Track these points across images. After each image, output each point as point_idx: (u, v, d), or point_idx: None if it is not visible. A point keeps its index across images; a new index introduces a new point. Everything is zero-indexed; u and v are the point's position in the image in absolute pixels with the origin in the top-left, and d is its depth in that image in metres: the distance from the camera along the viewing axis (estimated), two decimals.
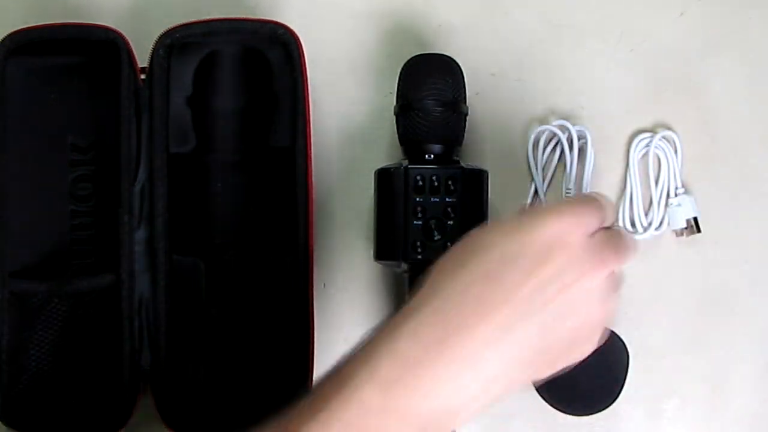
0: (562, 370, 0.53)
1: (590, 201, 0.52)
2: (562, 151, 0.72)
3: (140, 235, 0.66)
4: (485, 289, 0.49)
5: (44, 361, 0.67)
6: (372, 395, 0.47)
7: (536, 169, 0.73)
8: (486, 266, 0.49)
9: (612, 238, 0.51)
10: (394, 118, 0.68)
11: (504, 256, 0.49)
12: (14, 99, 0.66)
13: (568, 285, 0.49)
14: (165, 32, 0.66)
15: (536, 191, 0.73)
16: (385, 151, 0.73)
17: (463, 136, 0.68)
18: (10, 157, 0.66)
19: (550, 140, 0.73)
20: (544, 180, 0.73)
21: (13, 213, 0.66)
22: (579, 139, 0.72)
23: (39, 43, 0.65)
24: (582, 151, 0.72)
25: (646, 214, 0.73)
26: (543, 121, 0.74)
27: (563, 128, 0.72)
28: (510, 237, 0.50)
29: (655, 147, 0.73)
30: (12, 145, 0.66)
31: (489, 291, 0.49)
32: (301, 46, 0.67)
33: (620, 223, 0.73)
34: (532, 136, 0.72)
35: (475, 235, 0.52)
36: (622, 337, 0.68)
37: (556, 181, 0.74)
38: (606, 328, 0.53)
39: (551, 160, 0.73)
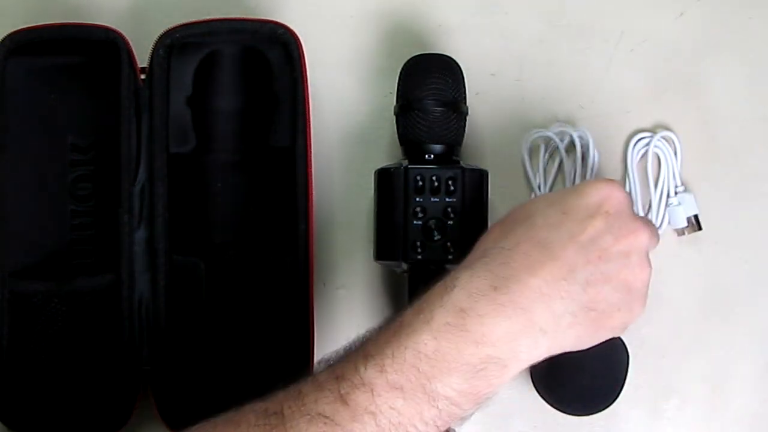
0: (605, 340, 0.57)
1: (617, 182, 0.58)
2: (561, 157, 0.72)
3: (140, 235, 0.66)
4: (533, 248, 0.53)
5: (44, 361, 0.67)
6: (426, 340, 0.49)
7: (533, 175, 0.73)
8: (532, 231, 0.54)
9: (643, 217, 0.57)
10: (394, 118, 0.68)
11: (548, 221, 0.54)
12: (14, 99, 0.66)
13: (607, 248, 0.53)
14: (165, 32, 0.66)
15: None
16: (385, 151, 0.73)
17: (463, 136, 0.68)
18: (10, 157, 0.66)
19: (548, 144, 0.73)
20: (546, 183, 0.73)
21: (13, 213, 0.66)
22: (580, 141, 0.71)
23: (39, 43, 0.65)
24: (584, 153, 0.72)
25: (646, 215, 0.73)
26: (543, 122, 0.74)
27: (562, 134, 0.72)
28: (553, 206, 0.55)
29: (655, 147, 0.73)
30: (12, 145, 0.66)
31: (537, 250, 0.52)
32: (301, 46, 0.67)
33: None
34: (529, 141, 0.72)
35: (521, 206, 0.57)
36: (622, 336, 0.68)
37: (558, 185, 0.74)
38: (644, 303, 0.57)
39: (551, 165, 0.73)
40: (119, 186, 0.65)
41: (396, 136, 0.69)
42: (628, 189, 0.73)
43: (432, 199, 0.65)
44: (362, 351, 0.51)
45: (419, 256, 0.65)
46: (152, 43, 0.66)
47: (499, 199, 0.72)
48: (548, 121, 0.74)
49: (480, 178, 0.67)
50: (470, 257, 0.55)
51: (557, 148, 0.72)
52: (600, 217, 0.54)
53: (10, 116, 0.66)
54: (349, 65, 0.74)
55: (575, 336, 0.55)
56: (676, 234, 0.74)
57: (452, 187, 0.65)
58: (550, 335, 0.52)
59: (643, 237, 0.56)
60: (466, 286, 0.51)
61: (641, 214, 0.73)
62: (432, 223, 0.65)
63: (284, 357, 0.67)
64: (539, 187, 0.72)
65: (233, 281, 0.69)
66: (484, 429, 0.72)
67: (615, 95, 0.75)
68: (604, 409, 0.68)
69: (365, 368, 0.49)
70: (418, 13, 0.75)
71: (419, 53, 0.69)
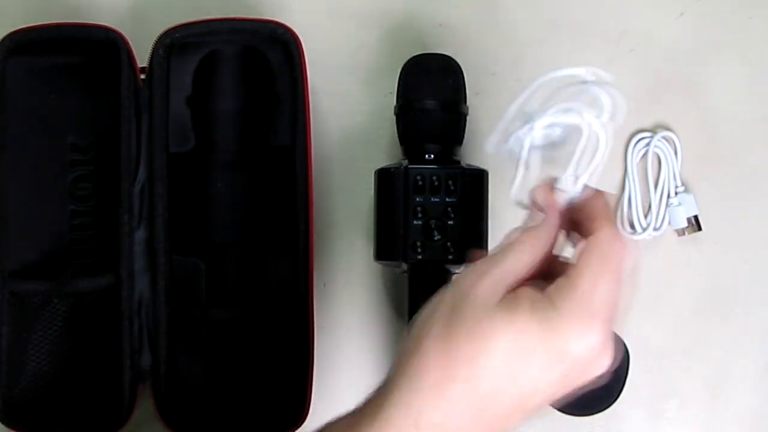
0: None
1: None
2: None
3: (140, 235, 0.66)
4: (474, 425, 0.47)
5: (44, 361, 0.67)
6: None
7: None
8: (476, 400, 0.46)
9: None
10: (394, 118, 0.68)
11: (500, 387, 0.46)
12: (14, 99, 0.66)
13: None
14: (165, 32, 0.66)
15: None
16: (385, 151, 0.73)
17: (463, 136, 0.68)
18: (10, 157, 0.66)
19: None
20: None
21: (13, 213, 0.66)
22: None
23: (39, 43, 0.65)
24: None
25: (646, 215, 0.73)
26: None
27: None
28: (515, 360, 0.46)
29: (655, 147, 0.73)
30: (12, 145, 0.66)
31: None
32: (301, 46, 0.67)
33: (619, 224, 0.73)
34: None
35: (468, 333, 0.46)
36: (622, 337, 0.68)
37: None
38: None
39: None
40: (119, 186, 0.65)
41: (396, 136, 0.69)
42: (627, 189, 0.73)
43: (432, 199, 0.65)
44: None
45: (419, 256, 0.65)
46: (152, 43, 0.66)
47: (499, 199, 0.72)
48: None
49: (480, 178, 0.67)
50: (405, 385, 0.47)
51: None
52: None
53: (10, 116, 0.66)
54: (349, 65, 0.74)
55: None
56: (676, 234, 0.74)
57: (452, 187, 0.65)
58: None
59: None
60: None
61: (640, 214, 0.73)
62: (432, 223, 0.65)
63: (284, 357, 0.67)
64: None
65: (233, 281, 0.69)
66: None
67: None
68: (604, 409, 0.68)
69: None
70: (418, 13, 0.75)
71: (419, 53, 0.69)
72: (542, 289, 0.47)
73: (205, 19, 0.67)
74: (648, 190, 0.74)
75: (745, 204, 0.74)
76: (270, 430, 0.66)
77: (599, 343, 0.47)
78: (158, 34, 0.66)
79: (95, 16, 0.70)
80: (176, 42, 0.66)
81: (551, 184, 0.52)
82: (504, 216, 0.73)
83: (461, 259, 0.65)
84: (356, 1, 0.75)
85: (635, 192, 0.73)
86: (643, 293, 0.73)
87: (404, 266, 0.66)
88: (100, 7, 0.73)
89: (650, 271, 0.73)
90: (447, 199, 0.65)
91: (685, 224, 0.73)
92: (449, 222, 0.65)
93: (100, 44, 0.66)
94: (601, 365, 0.48)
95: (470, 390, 0.45)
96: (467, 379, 0.45)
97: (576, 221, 0.50)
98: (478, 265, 0.48)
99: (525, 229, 0.50)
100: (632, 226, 0.73)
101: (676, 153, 0.74)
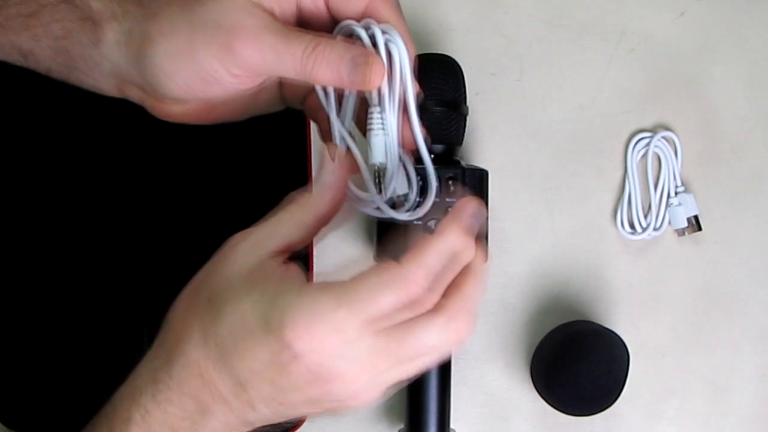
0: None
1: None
2: None
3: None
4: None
5: (44, 361, 0.67)
6: None
7: None
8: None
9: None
10: None
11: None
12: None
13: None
14: None
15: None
16: None
17: (464, 136, 0.68)
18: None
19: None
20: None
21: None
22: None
23: None
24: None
25: (646, 215, 0.73)
26: (543, 121, 0.74)
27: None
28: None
29: (655, 147, 0.73)
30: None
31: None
32: None
33: (619, 224, 0.73)
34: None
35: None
36: (622, 337, 0.68)
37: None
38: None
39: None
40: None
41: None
42: (627, 189, 0.73)
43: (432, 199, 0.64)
44: None
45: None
46: None
47: (499, 199, 0.72)
48: (549, 121, 0.74)
49: (480, 178, 0.67)
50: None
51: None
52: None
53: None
54: None
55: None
56: (676, 234, 0.74)
57: (452, 188, 0.65)
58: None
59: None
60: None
61: (640, 214, 0.73)
62: (432, 223, 0.65)
63: None
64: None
65: None
66: (484, 429, 0.72)
67: (615, 95, 0.75)
68: (604, 409, 0.68)
69: None
70: (418, 13, 0.75)
71: (419, 53, 0.69)
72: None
73: None
74: (648, 190, 0.74)
75: (745, 204, 0.74)
76: (270, 430, 0.66)
77: (326, 331, 0.44)
78: None
79: None
80: None
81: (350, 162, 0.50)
82: (504, 216, 0.73)
83: None
84: None
85: (635, 192, 0.73)
86: (643, 293, 0.73)
87: None
88: None
89: (650, 271, 0.73)
90: (447, 200, 0.65)
91: (685, 224, 0.73)
92: None
93: None
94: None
95: (201, 351, 0.46)
96: (200, 344, 0.46)
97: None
98: (248, 230, 0.47)
99: (304, 194, 0.48)
100: (632, 226, 0.73)
101: (676, 153, 0.74)
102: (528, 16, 0.75)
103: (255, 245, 0.46)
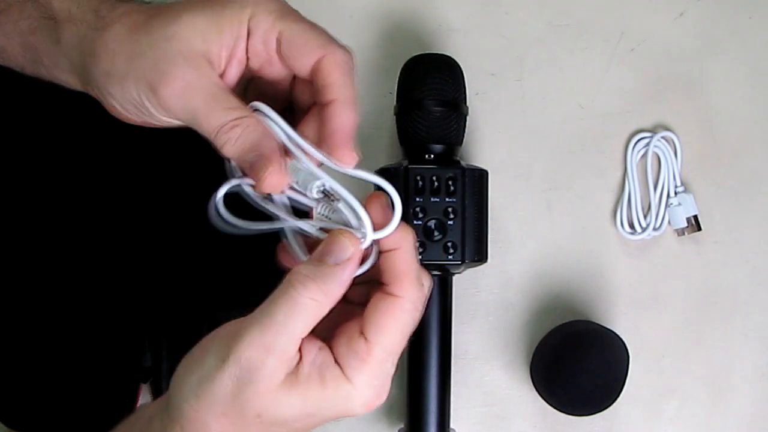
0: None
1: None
2: None
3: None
4: None
5: (44, 361, 0.67)
6: None
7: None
8: None
9: None
10: (394, 118, 0.68)
11: None
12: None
13: None
14: None
15: None
16: (385, 151, 0.73)
17: (464, 136, 0.68)
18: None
19: None
20: None
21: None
22: None
23: None
24: None
25: (646, 215, 0.73)
26: (543, 121, 0.74)
27: None
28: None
29: (655, 147, 0.73)
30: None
31: None
32: None
33: (619, 224, 0.73)
34: None
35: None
36: (622, 337, 0.68)
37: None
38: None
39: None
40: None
41: (396, 136, 0.69)
42: (627, 189, 0.73)
43: (432, 199, 0.65)
44: None
45: (419, 257, 0.64)
46: None
47: (499, 199, 0.72)
48: (549, 121, 0.74)
49: (480, 178, 0.67)
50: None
51: None
52: None
53: None
54: None
55: None
56: (676, 234, 0.74)
57: (452, 187, 0.65)
58: None
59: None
60: None
61: (640, 214, 0.73)
62: (432, 223, 0.65)
63: None
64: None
65: (235, 280, 0.69)
66: (484, 429, 0.72)
67: (615, 95, 0.75)
68: (604, 409, 0.68)
69: None
70: (418, 13, 0.75)
71: (419, 53, 0.69)
72: (328, 343, 0.46)
73: None
74: (648, 190, 0.74)
75: (745, 204, 0.74)
76: None
77: (384, 399, 0.47)
78: None
79: None
80: None
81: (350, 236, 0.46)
82: (504, 216, 0.73)
83: (461, 259, 0.65)
84: (356, 1, 0.75)
85: (635, 192, 0.73)
86: (643, 293, 0.73)
87: None
88: None
89: (650, 271, 0.73)
90: (447, 200, 0.65)
91: (685, 224, 0.73)
92: (449, 222, 0.65)
93: None
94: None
95: None
96: None
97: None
98: (263, 336, 0.45)
99: (316, 278, 0.45)
100: (632, 226, 0.73)
101: (675, 153, 0.74)
102: (528, 16, 0.75)
103: (282, 356, 0.45)
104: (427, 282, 0.48)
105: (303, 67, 0.49)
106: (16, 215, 0.67)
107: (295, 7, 0.74)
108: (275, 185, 0.47)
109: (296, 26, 0.49)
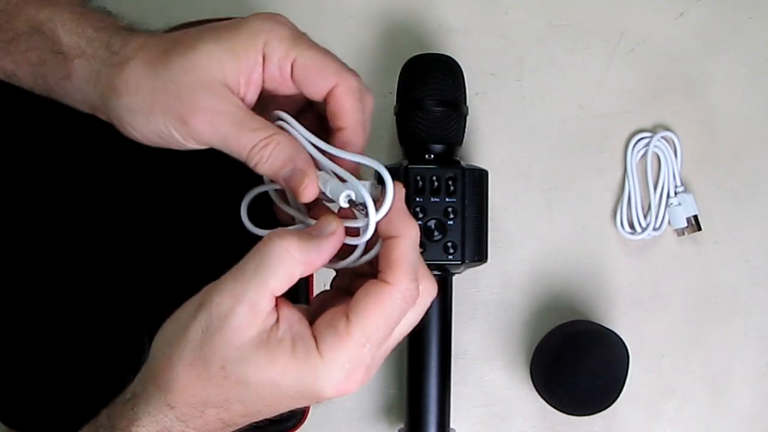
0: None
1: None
2: None
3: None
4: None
5: (44, 362, 0.67)
6: None
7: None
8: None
9: None
10: (394, 118, 0.68)
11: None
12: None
13: None
14: (165, 32, 0.66)
15: None
16: (385, 151, 0.73)
17: (464, 136, 0.68)
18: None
19: None
20: None
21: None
22: None
23: None
24: None
25: (646, 215, 0.73)
26: (543, 121, 0.74)
27: None
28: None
29: (654, 147, 0.73)
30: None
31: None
32: None
33: (619, 224, 0.73)
34: None
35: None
36: (622, 337, 0.68)
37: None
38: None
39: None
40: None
41: (396, 136, 0.69)
42: (627, 189, 0.73)
43: (432, 199, 0.65)
44: None
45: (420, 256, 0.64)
46: None
47: (499, 199, 0.72)
48: (549, 121, 0.74)
49: (480, 178, 0.67)
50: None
51: None
52: None
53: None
54: (349, 65, 0.74)
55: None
56: (675, 234, 0.74)
57: (452, 187, 0.65)
58: None
59: None
60: None
61: (640, 214, 0.73)
62: (432, 223, 0.65)
63: None
64: None
65: None
66: (484, 429, 0.72)
67: (615, 95, 0.75)
68: (604, 409, 0.68)
69: None
70: (418, 13, 0.75)
71: (419, 53, 0.69)
72: (308, 313, 0.47)
73: (204, 19, 0.67)
74: (648, 190, 0.74)
75: (745, 204, 0.74)
76: (270, 430, 0.66)
77: (355, 389, 0.47)
78: None
79: None
80: None
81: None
82: (504, 216, 0.73)
83: (461, 259, 0.65)
84: (356, 1, 0.75)
85: (635, 192, 0.73)
86: (643, 293, 0.73)
87: None
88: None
89: (650, 271, 0.73)
90: (447, 200, 0.65)
91: (685, 224, 0.73)
92: (449, 222, 0.65)
93: None
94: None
95: (223, 412, 0.47)
96: (221, 404, 0.47)
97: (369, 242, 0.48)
98: (234, 284, 0.45)
99: (291, 236, 0.46)
100: (632, 226, 0.73)
101: (675, 153, 0.74)
102: (528, 16, 0.75)
103: (253, 308, 0.45)
104: (428, 284, 0.49)
105: (317, 93, 0.51)
106: (17, 215, 0.67)
107: (295, 7, 0.75)
108: (313, 194, 0.48)
109: (309, 54, 0.50)
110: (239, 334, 0.45)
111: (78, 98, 0.53)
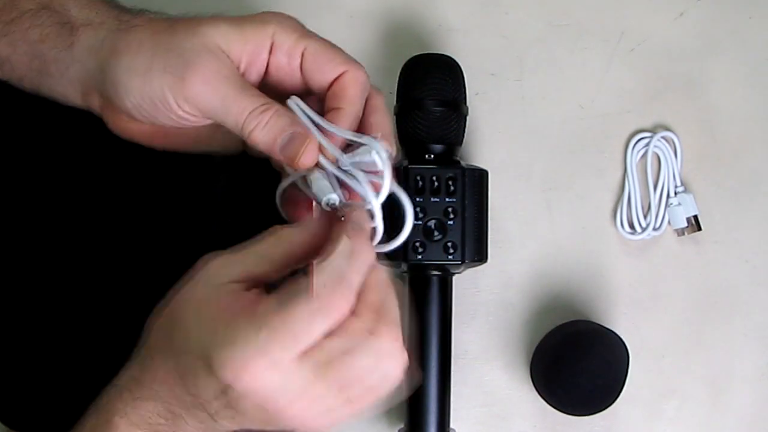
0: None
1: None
2: None
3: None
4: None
5: (44, 361, 0.67)
6: None
7: None
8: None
9: None
10: (394, 118, 0.68)
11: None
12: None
13: None
14: None
15: None
16: None
17: (464, 136, 0.68)
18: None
19: None
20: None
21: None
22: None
23: None
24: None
25: (646, 215, 0.74)
26: (543, 121, 0.74)
27: None
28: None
29: (655, 147, 0.73)
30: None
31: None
32: None
33: (619, 224, 0.73)
34: None
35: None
36: (622, 337, 0.68)
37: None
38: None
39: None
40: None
41: (396, 136, 0.69)
42: (627, 189, 0.73)
43: (432, 199, 0.65)
44: None
45: (419, 257, 0.65)
46: None
47: (499, 199, 0.72)
48: (549, 121, 0.74)
49: (480, 178, 0.67)
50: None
51: None
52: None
53: None
54: None
55: None
56: (675, 234, 0.74)
57: (452, 187, 0.65)
58: None
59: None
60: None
61: (640, 214, 0.73)
62: (432, 223, 0.65)
63: None
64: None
65: None
66: (484, 429, 0.72)
67: (615, 95, 0.75)
68: (604, 409, 0.68)
69: None
70: (418, 13, 0.75)
71: (419, 53, 0.69)
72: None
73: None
74: (648, 190, 0.74)
75: (745, 204, 0.74)
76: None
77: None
78: None
79: None
80: None
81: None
82: (504, 216, 0.73)
83: (461, 259, 0.65)
84: (356, 1, 0.75)
85: (635, 192, 0.73)
86: (643, 293, 0.73)
87: (404, 266, 0.66)
88: None
89: (650, 271, 0.73)
90: (447, 200, 0.65)
91: (685, 224, 0.73)
92: (449, 222, 0.65)
93: None
94: None
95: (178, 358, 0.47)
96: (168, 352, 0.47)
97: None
98: (232, 252, 0.47)
99: (291, 227, 0.47)
100: (632, 226, 0.73)
101: (675, 153, 0.74)
102: (528, 16, 0.75)
103: (217, 271, 0.46)
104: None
105: (324, 81, 0.51)
106: (16, 215, 0.67)
107: (296, 7, 0.75)
108: (312, 159, 0.48)
109: (320, 43, 0.51)
110: (193, 289, 0.46)
111: (72, 74, 0.52)
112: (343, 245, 0.45)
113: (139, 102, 0.50)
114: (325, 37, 0.73)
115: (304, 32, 0.51)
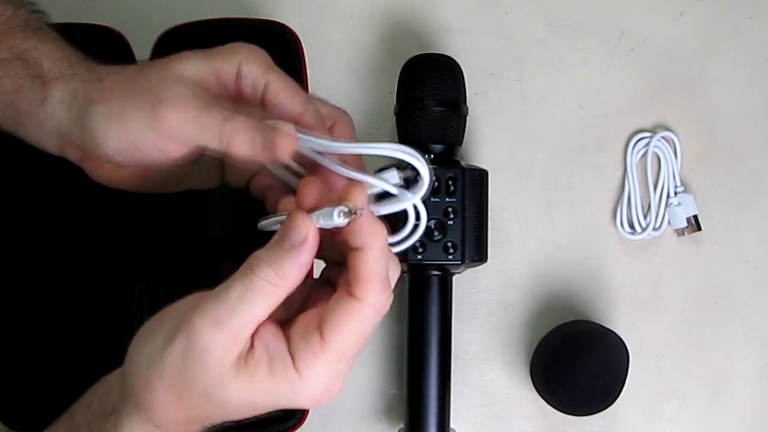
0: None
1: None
2: None
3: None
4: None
5: (45, 361, 0.67)
6: None
7: None
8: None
9: None
10: (394, 118, 0.68)
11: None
12: None
13: None
14: (165, 32, 0.66)
15: None
16: None
17: (464, 136, 0.68)
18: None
19: None
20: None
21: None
22: None
23: None
24: None
25: (646, 215, 0.74)
26: (543, 121, 0.74)
27: None
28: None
29: (655, 147, 0.73)
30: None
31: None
32: (301, 45, 0.67)
33: (619, 224, 0.73)
34: None
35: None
36: (622, 337, 0.68)
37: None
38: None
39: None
40: None
41: (396, 136, 0.69)
42: (627, 189, 0.73)
43: (432, 199, 0.65)
44: None
45: (419, 257, 0.65)
46: (152, 44, 0.66)
47: (499, 199, 0.72)
48: (549, 121, 0.74)
49: (480, 178, 0.67)
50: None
51: None
52: None
53: None
54: (349, 65, 0.74)
55: None
56: (675, 234, 0.74)
57: (452, 187, 0.65)
58: None
59: None
60: None
61: (640, 214, 0.73)
62: (432, 223, 0.65)
63: None
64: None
65: None
66: (484, 429, 0.72)
67: (615, 95, 0.75)
68: (604, 409, 0.68)
69: None
70: (418, 13, 0.75)
71: (419, 53, 0.69)
72: (289, 327, 0.46)
73: (205, 19, 0.67)
74: (648, 190, 0.74)
75: (745, 204, 0.74)
76: (270, 429, 0.66)
77: (334, 397, 0.47)
78: (158, 35, 0.66)
79: (96, 16, 0.70)
80: (176, 42, 0.66)
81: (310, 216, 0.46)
82: (504, 216, 0.73)
83: (461, 259, 0.65)
84: (356, 1, 0.75)
85: (635, 192, 0.73)
86: (643, 293, 0.73)
87: (404, 266, 0.66)
88: (100, 7, 0.73)
89: (650, 271, 0.73)
90: (447, 200, 0.65)
91: (685, 224, 0.73)
92: (449, 222, 0.65)
93: (101, 44, 0.66)
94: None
95: (207, 423, 0.48)
96: (204, 421, 0.47)
97: (339, 249, 0.47)
98: (216, 310, 0.45)
99: (271, 262, 0.45)
100: (632, 226, 0.73)
101: (675, 153, 0.74)
102: (528, 16, 0.75)
103: (234, 337, 0.45)
104: (394, 274, 0.48)
105: (284, 117, 0.51)
106: (16, 215, 0.67)
107: (297, 7, 0.75)
108: (291, 145, 0.48)
109: (284, 81, 0.51)
110: (219, 363, 0.45)
111: (48, 127, 0.53)
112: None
113: (118, 147, 0.50)
114: (326, 37, 0.73)
115: (270, 66, 0.51)
